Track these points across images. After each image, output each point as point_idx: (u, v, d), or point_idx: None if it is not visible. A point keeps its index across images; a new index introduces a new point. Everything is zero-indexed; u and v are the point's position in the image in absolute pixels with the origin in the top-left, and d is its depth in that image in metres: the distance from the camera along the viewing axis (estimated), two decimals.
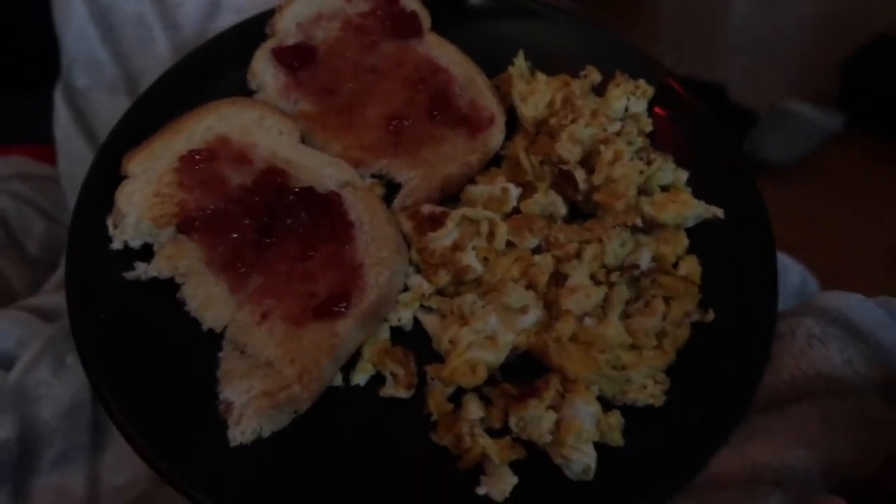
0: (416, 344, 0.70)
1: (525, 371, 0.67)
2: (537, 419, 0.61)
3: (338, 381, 0.68)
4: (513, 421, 0.62)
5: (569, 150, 0.75)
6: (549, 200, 0.73)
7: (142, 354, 0.67)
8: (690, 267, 0.72)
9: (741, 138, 2.58)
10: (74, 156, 1.00)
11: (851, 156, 2.46)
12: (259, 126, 0.77)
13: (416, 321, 0.72)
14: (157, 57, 0.95)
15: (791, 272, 1.35)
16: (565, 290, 0.68)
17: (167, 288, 0.71)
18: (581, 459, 0.60)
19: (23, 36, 1.38)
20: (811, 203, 2.35)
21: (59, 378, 0.80)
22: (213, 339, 0.69)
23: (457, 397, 0.67)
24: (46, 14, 1.01)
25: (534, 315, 0.67)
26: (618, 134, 0.77)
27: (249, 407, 0.63)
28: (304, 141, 0.80)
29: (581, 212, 0.77)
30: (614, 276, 0.69)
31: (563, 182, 0.74)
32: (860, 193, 2.35)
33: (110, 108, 0.89)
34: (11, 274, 1.12)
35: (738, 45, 3.21)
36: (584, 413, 0.61)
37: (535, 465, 0.62)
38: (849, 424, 0.60)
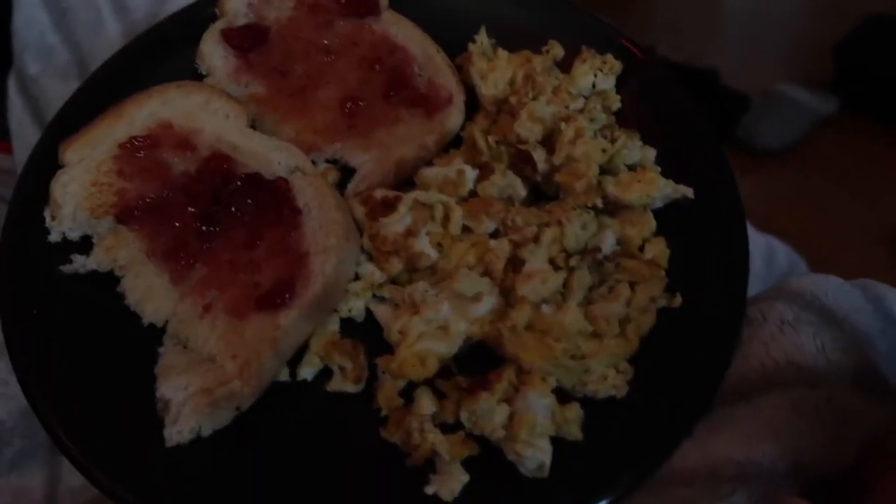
0: (368, 335, 0.67)
1: (483, 362, 0.64)
2: (489, 413, 0.58)
3: (284, 375, 0.65)
4: (464, 415, 0.59)
5: (528, 129, 0.71)
6: (507, 182, 0.70)
7: (77, 352, 0.64)
8: (657, 250, 0.68)
9: (734, 124, 2.54)
10: (29, 145, 0.96)
11: (845, 139, 2.43)
12: (204, 110, 0.74)
13: (369, 312, 0.68)
14: (108, 41, 0.91)
15: (779, 254, 1.31)
16: (522, 276, 0.64)
17: (108, 282, 0.68)
18: (534, 455, 0.56)
19: None
20: (805, 187, 2.32)
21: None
22: (155, 335, 0.66)
23: (411, 391, 0.63)
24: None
25: (488, 303, 0.63)
26: (581, 111, 0.73)
27: (187, 405, 0.60)
28: (255, 125, 0.77)
29: (545, 194, 0.74)
30: (574, 261, 0.66)
31: (521, 163, 0.70)
32: (854, 177, 2.32)
33: (62, 96, 0.86)
34: None
35: (732, 30, 3.18)
36: (538, 406, 0.58)
37: (489, 461, 0.59)
38: (819, 415, 0.56)
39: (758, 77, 2.69)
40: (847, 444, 0.55)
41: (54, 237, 0.69)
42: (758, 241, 1.29)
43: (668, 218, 0.71)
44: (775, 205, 2.28)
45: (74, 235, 0.69)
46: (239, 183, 0.69)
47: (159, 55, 0.81)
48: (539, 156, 0.70)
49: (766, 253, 1.29)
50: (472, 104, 0.79)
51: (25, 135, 0.97)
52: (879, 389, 0.59)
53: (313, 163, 0.75)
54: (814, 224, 2.10)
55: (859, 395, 0.58)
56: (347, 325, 0.68)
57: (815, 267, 1.43)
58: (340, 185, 0.75)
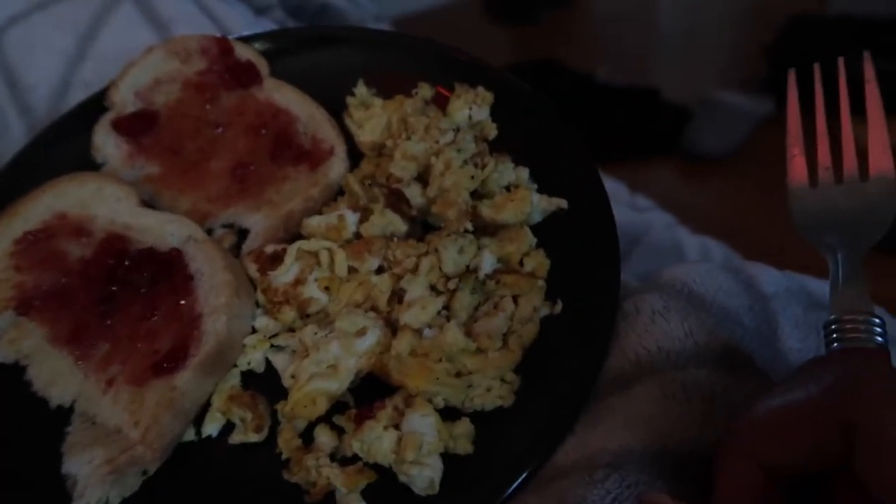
0: (270, 386, 0.69)
1: (379, 394, 0.66)
2: (377, 440, 0.60)
3: (190, 435, 0.67)
4: (356, 446, 0.61)
5: (402, 168, 0.75)
6: (386, 221, 0.73)
7: None
8: (536, 262, 0.71)
9: (678, 135, 2.60)
10: None
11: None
12: (97, 196, 0.77)
13: (270, 363, 0.70)
14: (14, 142, 0.95)
15: (713, 252, 1.34)
16: (403, 306, 0.67)
17: (16, 372, 0.70)
18: (422, 473, 0.58)
19: None
20: (753, 188, 2.36)
21: None
22: (64, 416, 0.68)
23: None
24: None
25: (372, 336, 0.66)
26: (450, 144, 0.77)
27: (92, 477, 0.62)
28: (153, 203, 0.80)
29: (433, 227, 0.77)
30: (453, 283, 0.68)
31: (396, 201, 0.73)
32: None
33: None
34: None
35: (668, 48, 3.27)
36: (422, 425, 0.59)
37: (388, 488, 0.61)
38: (687, 397, 0.58)
39: (696, 87, 2.77)
40: (714, 423, 0.57)
41: None
42: (692, 242, 1.32)
43: (548, 231, 0.74)
44: (724, 208, 2.32)
45: None
46: (132, 259, 0.72)
47: (56, 152, 0.85)
48: (412, 192, 0.73)
49: (700, 252, 1.32)
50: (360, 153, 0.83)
51: None
52: (745, 366, 0.61)
53: (210, 230, 0.78)
54: (762, 224, 2.13)
55: (727, 373, 0.60)
56: (249, 378, 0.70)
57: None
58: (240, 247, 0.78)
